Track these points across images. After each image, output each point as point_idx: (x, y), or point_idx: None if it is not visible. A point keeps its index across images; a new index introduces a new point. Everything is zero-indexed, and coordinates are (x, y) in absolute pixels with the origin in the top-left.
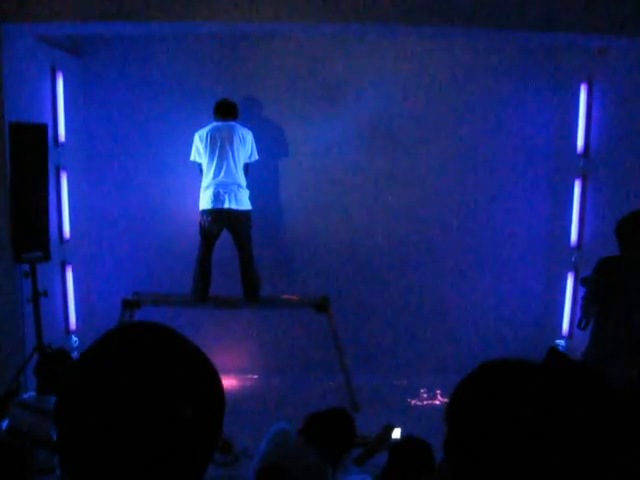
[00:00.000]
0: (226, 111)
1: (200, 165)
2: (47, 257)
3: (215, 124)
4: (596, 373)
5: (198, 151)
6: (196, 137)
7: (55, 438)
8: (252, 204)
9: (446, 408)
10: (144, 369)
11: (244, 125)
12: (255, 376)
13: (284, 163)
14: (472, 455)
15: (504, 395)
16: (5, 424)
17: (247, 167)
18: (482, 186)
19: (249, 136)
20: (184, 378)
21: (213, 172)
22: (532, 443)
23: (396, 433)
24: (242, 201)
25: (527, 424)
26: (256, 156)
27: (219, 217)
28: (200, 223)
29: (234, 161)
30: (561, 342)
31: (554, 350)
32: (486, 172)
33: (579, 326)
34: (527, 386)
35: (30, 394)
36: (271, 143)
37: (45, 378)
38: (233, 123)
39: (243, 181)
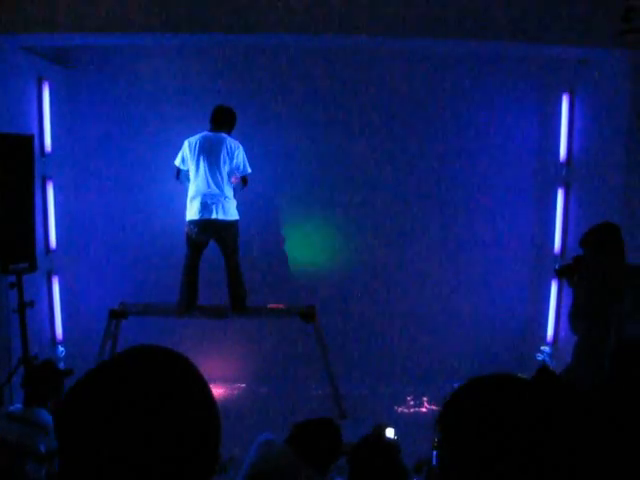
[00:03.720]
0: (219, 122)
1: (181, 170)
2: (33, 268)
3: (206, 134)
4: (581, 393)
5: (184, 158)
6: (185, 144)
7: (43, 450)
8: (241, 214)
9: (437, 420)
10: (142, 388)
11: (235, 138)
12: (242, 385)
13: (275, 175)
14: (464, 467)
15: (495, 409)
16: None
17: (245, 179)
18: (465, 195)
19: (238, 149)
20: (178, 391)
21: (200, 183)
22: (522, 456)
23: (389, 433)
24: (229, 211)
25: (517, 437)
26: (248, 169)
27: (206, 227)
28: (187, 233)
29: (220, 173)
30: (546, 348)
31: (544, 368)
32: (469, 182)
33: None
34: (517, 401)
35: (17, 406)
36: (260, 156)
37: (32, 390)
38: (224, 135)
39: (229, 192)
